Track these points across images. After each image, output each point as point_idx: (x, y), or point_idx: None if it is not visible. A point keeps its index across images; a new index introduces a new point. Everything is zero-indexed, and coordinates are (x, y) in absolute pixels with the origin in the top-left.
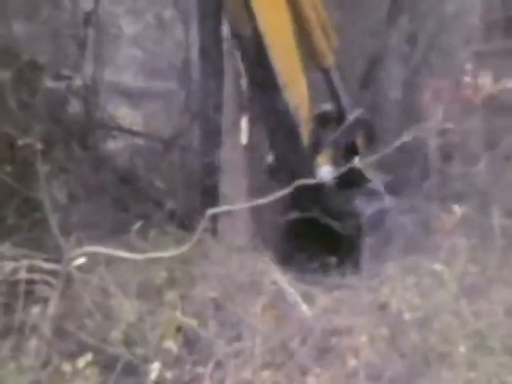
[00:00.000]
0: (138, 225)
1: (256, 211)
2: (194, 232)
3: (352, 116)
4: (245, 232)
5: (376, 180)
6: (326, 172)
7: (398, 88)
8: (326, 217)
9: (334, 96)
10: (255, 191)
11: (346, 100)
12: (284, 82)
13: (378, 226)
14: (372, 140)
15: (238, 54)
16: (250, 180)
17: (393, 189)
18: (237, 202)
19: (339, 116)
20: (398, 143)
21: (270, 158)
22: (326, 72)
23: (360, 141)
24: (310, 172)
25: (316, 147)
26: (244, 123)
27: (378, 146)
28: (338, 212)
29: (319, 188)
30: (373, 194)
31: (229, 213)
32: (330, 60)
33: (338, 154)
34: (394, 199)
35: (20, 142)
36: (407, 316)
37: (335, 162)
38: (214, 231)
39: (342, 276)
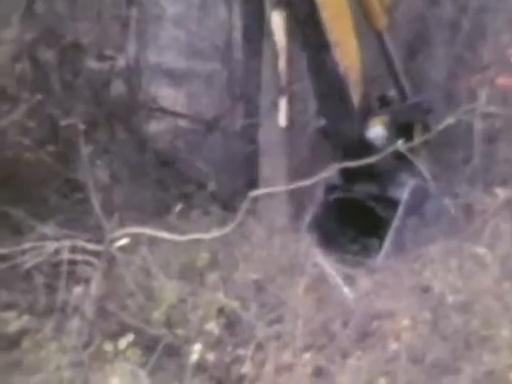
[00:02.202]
0: (179, 206)
1: (297, 192)
2: (235, 214)
3: (416, 99)
4: (284, 214)
5: (419, 163)
6: (377, 132)
7: (440, 71)
8: (368, 191)
9: (395, 81)
10: (295, 173)
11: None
12: (334, 41)
13: (416, 209)
14: (428, 129)
15: (283, 18)
16: (290, 161)
17: (436, 172)
18: (277, 183)
19: (401, 98)
20: (442, 126)
21: (321, 121)
22: (379, 36)
23: (417, 126)
24: (361, 135)
25: (367, 111)
26: (283, 104)
27: None
28: (378, 178)
29: (368, 149)
30: (415, 176)
31: (269, 194)
32: (383, 21)
33: (393, 124)
34: (435, 183)
35: (62, 123)
36: (450, 299)
37: (388, 129)
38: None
39: (384, 258)
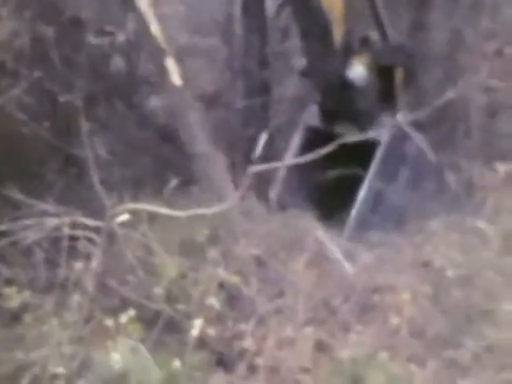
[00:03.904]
0: (174, 181)
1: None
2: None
3: (398, 42)
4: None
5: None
6: (358, 72)
7: (442, 43)
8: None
9: (377, 22)
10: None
11: (389, 31)
12: None
13: (393, 155)
14: (411, 74)
15: None
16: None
17: (436, 145)
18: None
19: (383, 41)
20: (442, 100)
21: (302, 61)
22: None
23: (399, 69)
24: (342, 75)
25: (348, 50)
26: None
27: (421, 99)
28: (359, 118)
29: (348, 88)
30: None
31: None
32: None
33: (374, 64)
34: (420, 136)
35: (61, 99)
36: (450, 273)
37: (369, 69)
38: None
39: (385, 233)
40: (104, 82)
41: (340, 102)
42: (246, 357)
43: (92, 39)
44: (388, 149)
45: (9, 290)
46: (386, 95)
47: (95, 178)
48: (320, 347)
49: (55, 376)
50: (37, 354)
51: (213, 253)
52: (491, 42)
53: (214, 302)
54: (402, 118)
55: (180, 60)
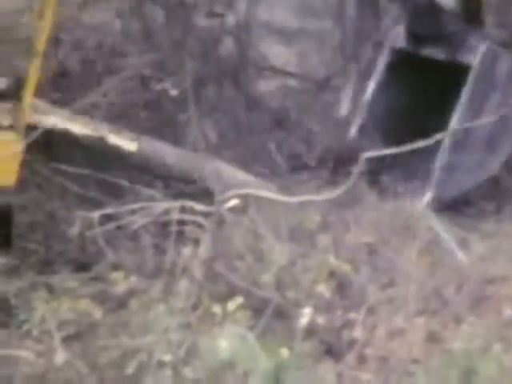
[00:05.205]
0: None
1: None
2: (347, 176)
3: None
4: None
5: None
6: None
7: None
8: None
9: None
10: None
11: None
12: None
13: (484, 79)
14: None
15: None
16: None
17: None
18: None
19: None
20: None
21: None
22: None
23: None
24: None
25: None
26: None
27: None
28: (447, 41)
29: (436, 10)
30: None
31: None
32: None
33: None
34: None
35: (157, 87)
36: None
37: None
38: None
39: (500, 223)
40: (214, 64)
41: (428, 25)
42: (356, 347)
43: (202, 21)
44: (479, 72)
45: (116, 275)
46: (475, 15)
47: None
48: (431, 338)
49: (162, 363)
50: (143, 341)
51: (323, 240)
52: None
53: (323, 290)
54: (491, 36)
55: (290, 43)
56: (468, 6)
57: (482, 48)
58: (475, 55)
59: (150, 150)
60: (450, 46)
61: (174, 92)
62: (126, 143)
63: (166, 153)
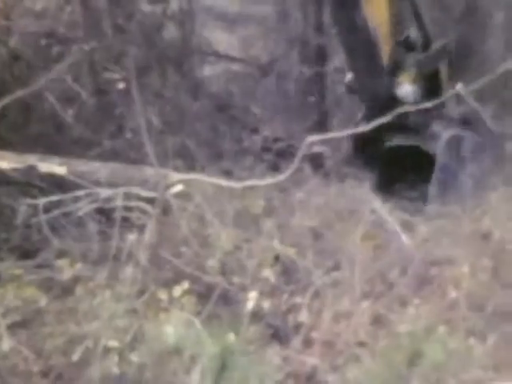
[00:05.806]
0: None
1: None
2: (291, 160)
3: (440, 43)
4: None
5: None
6: (406, 91)
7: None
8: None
9: (418, 22)
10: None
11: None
12: None
13: (454, 152)
14: (452, 66)
15: None
16: None
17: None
18: None
19: (425, 43)
20: (501, 69)
21: (349, 76)
22: None
23: (444, 70)
24: (389, 91)
25: (396, 67)
26: None
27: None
28: (411, 131)
29: (397, 105)
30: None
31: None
32: None
33: (421, 76)
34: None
35: (106, 75)
36: (510, 246)
37: (417, 84)
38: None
39: (443, 205)
40: (157, 50)
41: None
42: (302, 330)
43: (145, 7)
44: (444, 158)
45: (61, 262)
46: (435, 95)
47: (149, 148)
48: (377, 321)
49: (108, 349)
50: (89, 327)
51: (268, 224)
52: None
53: (269, 274)
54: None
55: (233, 28)
56: (428, 90)
57: (445, 135)
58: (439, 143)
59: (79, 171)
60: (413, 136)
61: (121, 85)
62: (56, 168)
63: (97, 169)
